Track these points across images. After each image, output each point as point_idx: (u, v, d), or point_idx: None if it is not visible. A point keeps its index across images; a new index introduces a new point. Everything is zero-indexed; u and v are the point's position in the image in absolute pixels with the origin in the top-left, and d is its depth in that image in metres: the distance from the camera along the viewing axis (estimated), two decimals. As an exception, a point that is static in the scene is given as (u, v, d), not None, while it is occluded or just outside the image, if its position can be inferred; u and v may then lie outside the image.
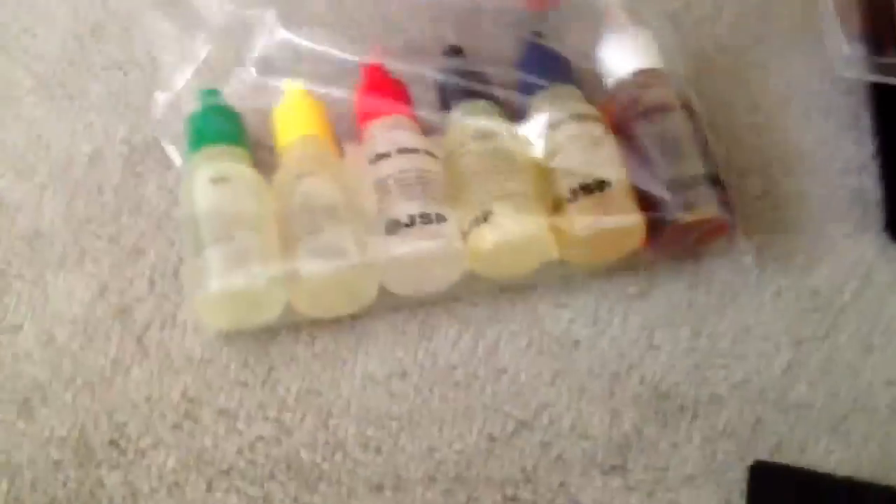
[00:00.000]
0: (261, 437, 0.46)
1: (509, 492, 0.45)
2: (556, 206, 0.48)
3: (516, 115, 0.52)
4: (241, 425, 0.46)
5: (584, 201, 0.48)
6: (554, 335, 0.49)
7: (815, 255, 0.52)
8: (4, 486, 0.44)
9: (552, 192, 0.49)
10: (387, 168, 0.48)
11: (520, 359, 0.49)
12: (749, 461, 0.46)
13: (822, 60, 0.55)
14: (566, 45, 0.54)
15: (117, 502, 0.44)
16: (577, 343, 0.49)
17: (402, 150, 0.49)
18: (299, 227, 0.47)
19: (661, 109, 0.51)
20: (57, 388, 0.47)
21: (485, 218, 0.47)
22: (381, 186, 0.48)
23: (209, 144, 0.50)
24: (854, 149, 0.56)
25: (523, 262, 0.49)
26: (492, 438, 0.46)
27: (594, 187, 0.48)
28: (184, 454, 0.46)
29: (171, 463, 0.45)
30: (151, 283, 0.50)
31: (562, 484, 0.45)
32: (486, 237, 0.47)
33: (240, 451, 0.46)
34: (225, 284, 0.46)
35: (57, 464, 0.45)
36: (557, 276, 0.50)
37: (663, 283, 0.51)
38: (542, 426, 0.47)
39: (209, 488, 0.45)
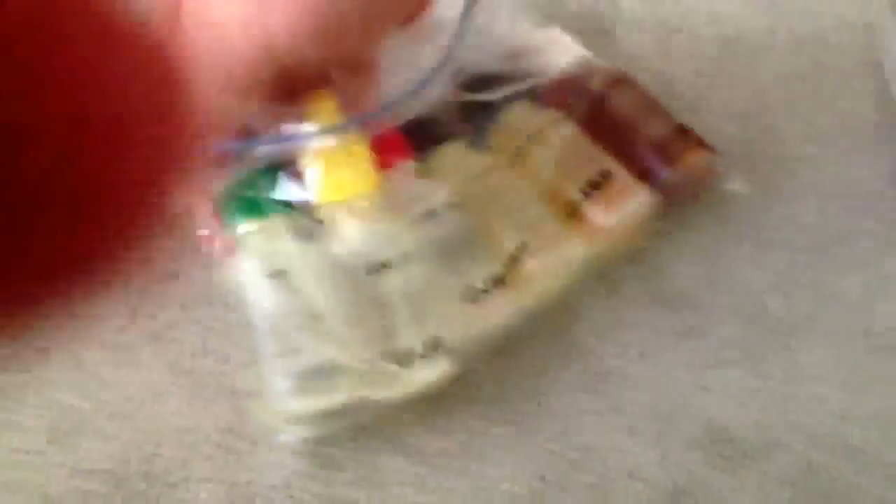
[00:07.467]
0: (301, 472, 0.44)
1: (559, 535, 0.43)
2: (571, 211, 0.48)
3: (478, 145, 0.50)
4: (283, 458, 0.45)
5: (597, 195, 0.48)
6: (599, 372, 0.48)
7: (869, 290, 0.51)
8: (33, 518, 0.43)
9: (560, 201, 0.49)
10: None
11: (565, 395, 0.47)
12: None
13: (881, 90, 0.53)
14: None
15: (151, 537, 0.43)
16: (623, 379, 0.48)
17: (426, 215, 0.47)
18: (396, 317, 0.44)
19: (612, 86, 0.51)
20: (88, 415, 0.45)
21: (522, 252, 0.46)
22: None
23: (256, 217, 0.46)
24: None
25: (568, 276, 0.48)
26: (541, 479, 0.45)
27: (600, 180, 0.48)
28: (220, 486, 0.44)
29: (205, 495, 0.44)
30: (184, 308, 0.48)
31: (613, 527, 0.44)
32: (535, 267, 0.46)
33: (276, 487, 0.44)
34: (309, 405, 0.43)
35: (90, 495, 0.43)
36: (594, 274, 0.50)
37: (714, 322, 0.49)
38: (591, 468, 0.45)
39: (246, 524, 0.43)
